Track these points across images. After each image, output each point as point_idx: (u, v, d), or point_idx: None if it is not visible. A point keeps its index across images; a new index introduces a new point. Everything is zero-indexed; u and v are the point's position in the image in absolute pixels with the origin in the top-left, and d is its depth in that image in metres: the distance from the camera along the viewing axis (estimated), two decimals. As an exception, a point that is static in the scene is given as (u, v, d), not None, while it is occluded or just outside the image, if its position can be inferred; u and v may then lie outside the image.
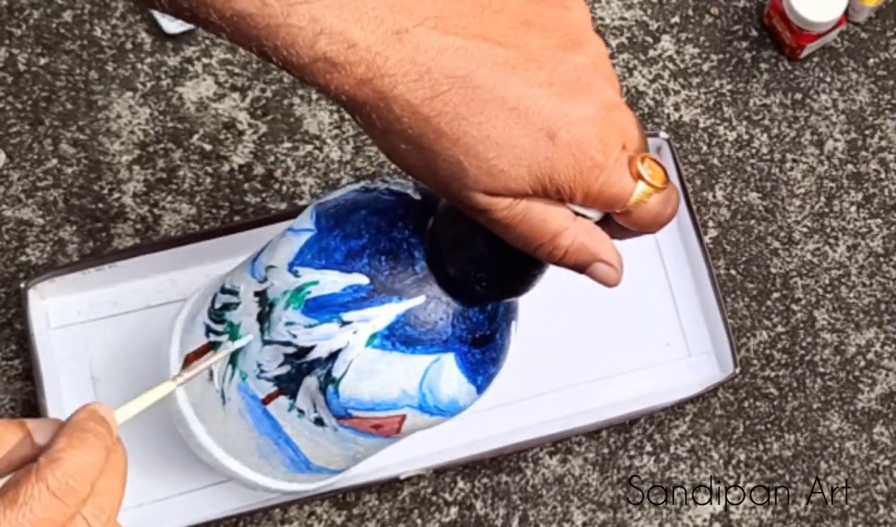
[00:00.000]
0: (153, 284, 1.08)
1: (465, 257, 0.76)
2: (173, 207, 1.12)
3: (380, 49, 0.61)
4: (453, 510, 1.09)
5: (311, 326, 0.79)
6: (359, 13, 0.61)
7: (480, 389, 0.84)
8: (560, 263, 0.68)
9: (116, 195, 1.12)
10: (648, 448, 1.11)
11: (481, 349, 0.82)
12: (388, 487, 1.08)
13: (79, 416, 0.63)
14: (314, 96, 1.15)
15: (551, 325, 1.12)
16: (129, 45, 1.15)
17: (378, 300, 0.78)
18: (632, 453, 1.11)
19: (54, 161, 1.12)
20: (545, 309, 1.12)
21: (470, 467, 1.09)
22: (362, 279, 0.78)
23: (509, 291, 0.79)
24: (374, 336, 0.78)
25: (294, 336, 0.80)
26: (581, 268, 0.69)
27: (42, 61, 1.14)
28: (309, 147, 1.14)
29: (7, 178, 1.12)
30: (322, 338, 0.79)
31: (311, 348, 0.80)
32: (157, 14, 1.14)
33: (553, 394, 1.10)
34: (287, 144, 1.14)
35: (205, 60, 1.15)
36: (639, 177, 0.65)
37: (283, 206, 1.12)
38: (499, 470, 1.10)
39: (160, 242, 1.08)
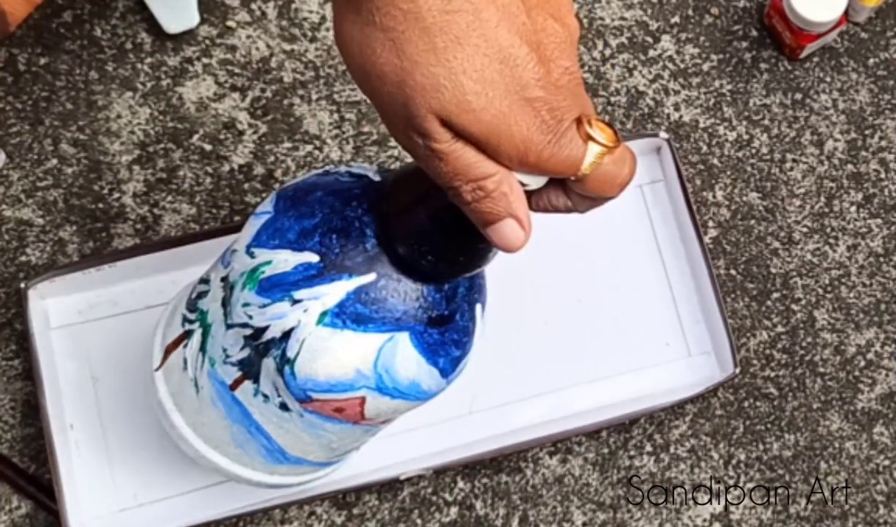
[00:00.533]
0: (153, 284, 1.08)
1: (411, 231, 0.76)
2: (173, 207, 1.12)
3: None
4: (453, 510, 1.09)
5: (264, 306, 0.79)
6: None
7: (445, 373, 0.83)
8: (475, 208, 0.67)
9: (116, 195, 1.12)
10: (648, 448, 1.11)
11: (439, 329, 0.81)
12: (388, 487, 1.08)
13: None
14: (314, 96, 1.15)
15: (551, 325, 1.12)
16: (129, 45, 1.15)
17: (328, 278, 0.77)
18: (632, 453, 1.11)
19: (54, 161, 1.12)
20: (545, 309, 1.12)
21: (470, 467, 1.09)
22: (313, 257, 0.78)
23: (458, 267, 0.78)
24: (324, 314, 0.78)
25: (250, 317, 0.80)
26: (492, 219, 0.67)
27: (42, 61, 1.14)
28: (309, 147, 1.14)
29: (7, 178, 1.12)
30: (275, 318, 0.79)
31: (265, 329, 0.79)
32: (156, 14, 1.14)
33: (553, 394, 1.10)
34: (287, 144, 1.14)
35: (205, 60, 1.15)
36: (588, 138, 0.65)
37: (283, 206, 1.12)
38: (499, 470, 1.10)
39: (160, 242, 1.08)
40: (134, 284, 1.08)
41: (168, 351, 0.89)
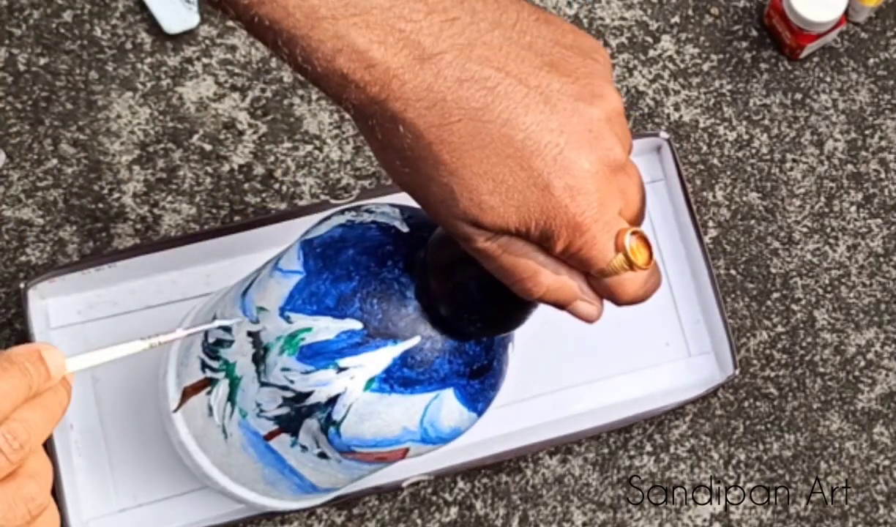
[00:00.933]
0: (153, 284, 1.08)
1: (459, 300, 0.76)
2: (173, 207, 1.12)
3: (399, 73, 0.61)
4: (453, 510, 1.09)
5: (307, 372, 0.79)
6: (385, 33, 0.61)
7: (480, 413, 0.85)
8: (541, 299, 0.68)
9: (116, 195, 1.12)
10: (648, 448, 1.11)
11: (480, 380, 0.82)
12: (387, 486, 1.08)
13: (16, 350, 0.63)
14: (314, 96, 1.15)
15: (551, 326, 1.12)
16: (129, 45, 1.15)
17: (373, 345, 0.78)
18: (632, 453, 1.11)
19: (54, 161, 1.12)
20: (545, 310, 1.12)
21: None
22: (356, 325, 0.78)
23: (502, 329, 0.79)
24: (371, 380, 0.78)
25: (291, 382, 0.80)
26: (561, 305, 0.68)
27: (42, 61, 1.14)
28: (309, 147, 1.14)
29: (7, 178, 1.12)
30: (319, 384, 0.79)
31: (309, 394, 0.80)
32: (156, 14, 1.14)
33: (553, 394, 1.10)
34: (287, 144, 1.14)
35: (205, 60, 1.15)
36: (622, 249, 0.64)
37: (283, 206, 1.12)
38: (499, 470, 1.10)
39: (160, 242, 1.08)
40: (134, 284, 1.08)
41: (187, 394, 0.89)
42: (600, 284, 0.66)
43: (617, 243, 0.64)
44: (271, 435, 0.84)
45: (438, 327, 0.79)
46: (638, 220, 0.66)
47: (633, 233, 0.64)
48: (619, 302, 0.68)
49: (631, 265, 0.64)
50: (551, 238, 0.63)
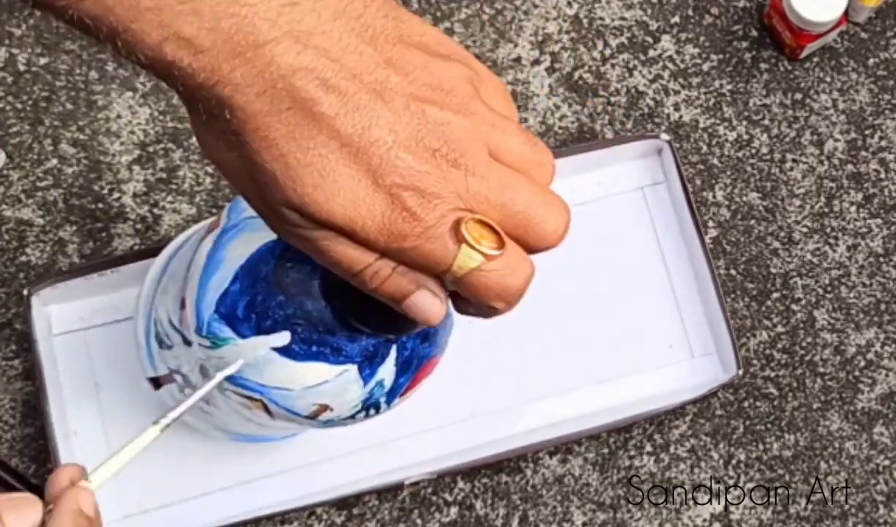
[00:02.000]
0: (137, 294, 1.09)
1: (340, 303, 0.77)
2: (173, 207, 1.12)
3: (228, 58, 0.59)
4: (453, 510, 1.09)
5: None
6: (216, 20, 0.58)
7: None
8: (382, 291, 0.64)
9: (116, 195, 1.12)
10: (648, 448, 1.11)
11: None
12: (388, 487, 1.08)
13: (62, 518, 0.63)
14: (314, 96, 1.15)
15: (553, 328, 1.12)
16: (128, 45, 1.15)
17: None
18: (632, 453, 1.11)
19: (54, 161, 1.12)
20: (547, 312, 1.12)
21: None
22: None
23: (377, 329, 0.78)
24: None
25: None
26: (402, 297, 0.64)
27: (42, 61, 1.14)
28: (309, 147, 1.14)
29: (7, 178, 1.12)
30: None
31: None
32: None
33: (556, 396, 1.11)
34: (287, 145, 1.14)
35: (205, 60, 1.15)
36: (462, 240, 0.60)
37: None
38: (499, 470, 1.10)
39: (162, 246, 1.07)
40: (136, 289, 1.08)
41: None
42: (464, 289, 0.63)
43: (457, 237, 0.60)
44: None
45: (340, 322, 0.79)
46: (508, 214, 0.62)
47: (471, 220, 0.61)
48: (492, 300, 0.64)
49: (481, 254, 0.61)
50: (380, 242, 0.61)
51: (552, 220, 0.64)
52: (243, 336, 0.79)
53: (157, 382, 0.93)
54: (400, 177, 0.60)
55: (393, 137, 0.60)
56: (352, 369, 0.80)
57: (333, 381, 0.80)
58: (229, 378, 0.80)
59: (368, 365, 0.80)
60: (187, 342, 0.85)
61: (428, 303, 0.64)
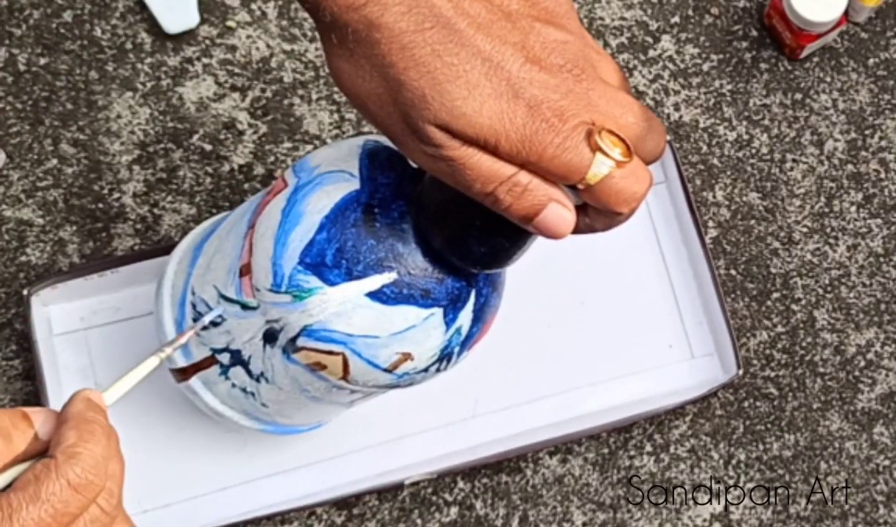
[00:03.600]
0: (156, 289, 1.08)
1: (449, 231, 0.77)
2: (173, 207, 1.12)
3: None
4: (453, 510, 1.09)
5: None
6: None
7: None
8: (517, 208, 0.67)
9: (116, 195, 1.12)
10: (648, 448, 1.11)
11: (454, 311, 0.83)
12: (389, 486, 1.08)
13: (78, 406, 0.66)
14: (314, 96, 1.15)
15: (554, 327, 1.12)
16: (129, 45, 1.15)
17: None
18: (632, 453, 1.11)
19: (54, 161, 1.12)
20: (548, 312, 1.12)
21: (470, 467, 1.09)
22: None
23: (491, 263, 0.79)
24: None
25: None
26: (535, 211, 0.68)
27: (42, 61, 1.14)
28: (309, 147, 1.14)
29: (7, 178, 1.12)
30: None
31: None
32: (156, 14, 1.14)
33: (556, 396, 1.11)
34: (287, 144, 1.14)
35: (205, 60, 1.15)
36: (597, 148, 0.65)
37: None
38: (499, 470, 1.10)
39: (162, 247, 1.07)
40: (136, 289, 1.08)
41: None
42: (595, 196, 0.67)
43: (590, 145, 0.65)
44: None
45: (430, 258, 0.80)
46: (621, 126, 0.67)
47: (604, 130, 0.65)
48: (622, 206, 0.67)
49: (614, 161, 0.65)
50: (523, 151, 0.65)
51: (655, 135, 0.69)
52: (332, 283, 0.79)
53: (184, 373, 0.92)
54: (537, 89, 0.64)
55: (525, 53, 0.65)
56: (437, 313, 0.81)
57: (420, 325, 0.80)
58: (309, 333, 0.80)
59: (452, 309, 0.81)
60: (249, 308, 0.84)
61: (560, 215, 0.67)
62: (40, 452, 0.65)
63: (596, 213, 0.70)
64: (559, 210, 0.67)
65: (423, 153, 0.67)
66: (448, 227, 0.76)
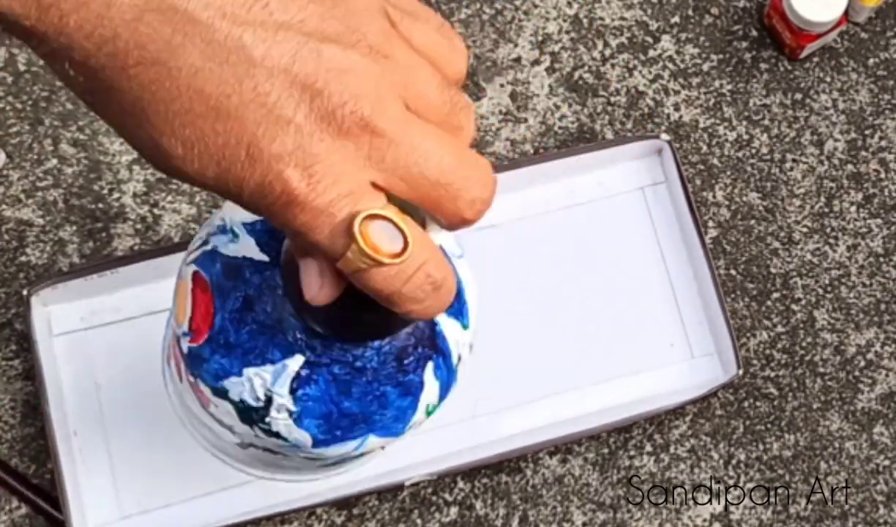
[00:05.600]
0: (156, 289, 1.08)
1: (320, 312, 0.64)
2: (173, 207, 1.12)
3: (59, 2, 0.47)
4: (453, 510, 1.09)
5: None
6: None
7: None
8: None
9: (116, 195, 1.12)
10: (648, 448, 1.11)
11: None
12: (389, 487, 1.08)
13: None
14: (314, 96, 1.15)
15: (554, 327, 1.12)
16: (128, 45, 1.15)
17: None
18: (632, 453, 1.11)
19: (54, 161, 1.12)
20: (548, 312, 1.12)
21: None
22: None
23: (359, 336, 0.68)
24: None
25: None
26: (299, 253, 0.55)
27: (42, 61, 1.14)
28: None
29: (7, 178, 1.12)
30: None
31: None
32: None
33: (556, 396, 1.11)
34: (287, 145, 1.14)
35: (205, 60, 1.15)
36: (351, 236, 0.50)
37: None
38: (499, 470, 1.10)
39: (162, 248, 1.07)
40: (136, 289, 1.08)
41: None
42: (360, 283, 0.52)
43: (348, 233, 0.50)
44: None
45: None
46: (422, 185, 0.51)
47: (373, 216, 0.50)
48: (392, 304, 0.53)
49: (373, 259, 0.50)
50: (262, 213, 0.50)
51: (472, 189, 0.52)
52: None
53: None
54: (282, 146, 0.49)
55: (276, 93, 0.49)
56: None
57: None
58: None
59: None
60: None
61: (313, 276, 0.54)
62: None
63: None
64: (312, 272, 0.54)
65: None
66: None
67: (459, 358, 0.76)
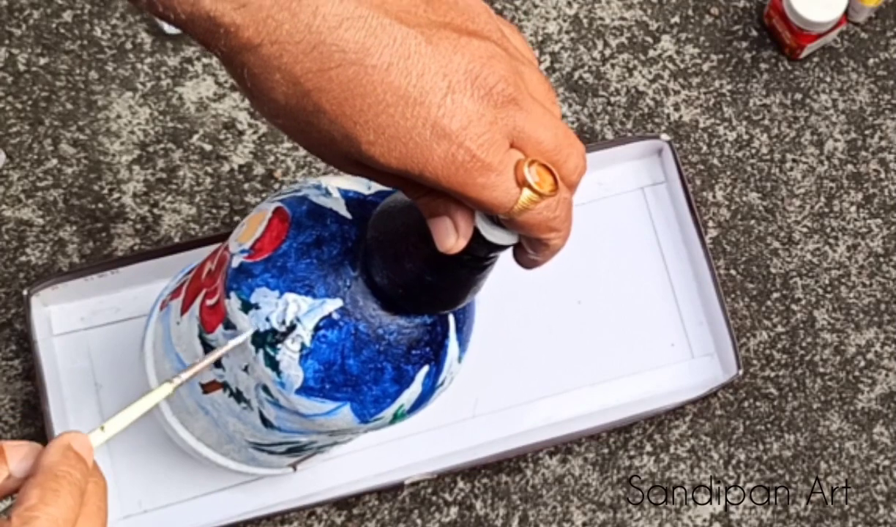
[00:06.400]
0: (155, 289, 1.08)
1: (398, 275, 0.75)
2: (173, 207, 1.12)
3: (274, 12, 0.57)
4: (453, 510, 1.09)
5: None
6: None
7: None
8: (421, 203, 0.65)
9: (116, 195, 1.12)
10: (648, 448, 1.12)
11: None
12: (389, 486, 1.08)
13: (51, 458, 0.60)
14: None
15: (554, 328, 1.12)
16: (129, 45, 1.15)
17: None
18: (632, 453, 1.11)
19: (54, 161, 1.12)
20: (548, 312, 1.12)
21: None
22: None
23: (441, 304, 0.77)
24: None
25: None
26: (429, 215, 0.65)
27: (42, 61, 1.14)
28: (309, 147, 1.14)
29: (7, 178, 1.12)
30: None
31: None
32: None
33: (556, 396, 1.11)
34: (287, 144, 1.14)
35: (205, 60, 1.15)
36: (524, 183, 0.61)
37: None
38: (499, 470, 1.10)
39: (162, 249, 1.07)
40: (136, 290, 1.08)
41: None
42: (515, 224, 0.63)
43: (517, 179, 0.61)
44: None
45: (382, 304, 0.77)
46: (545, 150, 0.62)
47: (531, 163, 0.61)
48: (541, 233, 0.64)
49: (540, 195, 0.61)
50: (443, 184, 0.60)
51: (576, 157, 0.65)
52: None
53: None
54: (458, 123, 0.59)
55: (447, 81, 0.59)
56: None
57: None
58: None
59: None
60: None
61: (445, 231, 0.65)
62: (14, 490, 0.59)
63: (528, 241, 0.66)
64: (447, 227, 0.64)
65: (348, 171, 0.63)
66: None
67: (442, 383, 0.82)
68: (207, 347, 0.83)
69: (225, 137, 1.14)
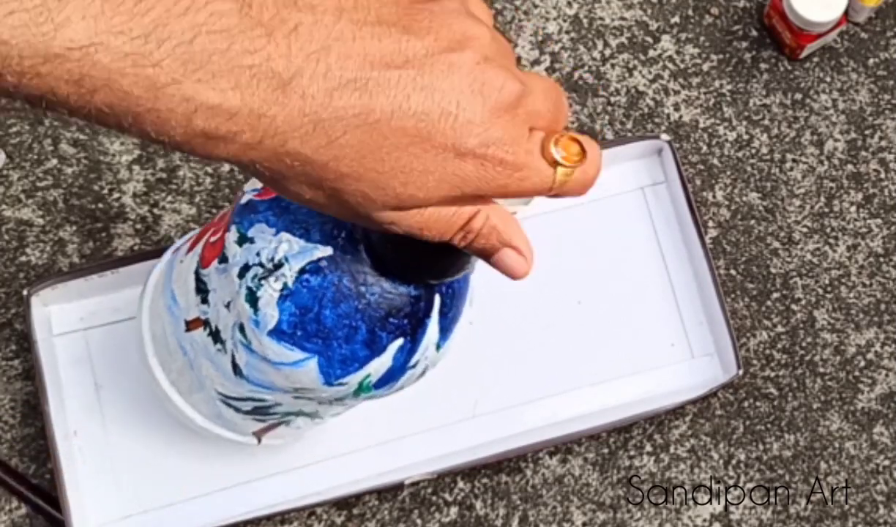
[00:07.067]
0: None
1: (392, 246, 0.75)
2: (173, 207, 1.12)
3: (265, 110, 0.56)
4: (453, 510, 1.09)
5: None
6: (235, 77, 0.55)
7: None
8: (470, 247, 0.65)
9: (116, 195, 1.12)
10: (648, 448, 1.11)
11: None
12: (388, 486, 1.08)
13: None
14: (314, 96, 1.15)
15: (554, 328, 1.12)
16: (128, 45, 1.15)
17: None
18: (632, 453, 1.11)
19: (54, 161, 1.12)
20: (548, 312, 1.12)
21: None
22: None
23: (429, 275, 0.78)
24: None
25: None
26: (489, 253, 0.66)
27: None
28: (309, 147, 1.14)
29: (7, 178, 1.12)
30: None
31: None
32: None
33: (556, 396, 1.11)
34: (287, 145, 1.14)
35: (205, 60, 1.15)
36: (555, 163, 0.62)
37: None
38: (499, 470, 1.10)
39: (163, 247, 1.07)
40: (136, 290, 1.07)
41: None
42: (561, 194, 0.65)
43: (547, 159, 0.62)
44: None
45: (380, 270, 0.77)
46: (554, 123, 0.64)
47: (556, 140, 0.63)
48: (582, 193, 0.67)
49: (572, 167, 0.64)
50: (485, 192, 0.62)
51: (557, 105, 0.65)
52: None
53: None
54: (477, 137, 0.60)
55: (454, 105, 0.60)
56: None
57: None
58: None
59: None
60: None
61: (513, 261, 0.67)
62: None
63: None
64: (512, 257, 0.67)
65: (384, 229, 0.63)
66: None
67: (414, 366, 0.82)
68: (200, 284, 0.84)
69: (225, 137, 1.14)
